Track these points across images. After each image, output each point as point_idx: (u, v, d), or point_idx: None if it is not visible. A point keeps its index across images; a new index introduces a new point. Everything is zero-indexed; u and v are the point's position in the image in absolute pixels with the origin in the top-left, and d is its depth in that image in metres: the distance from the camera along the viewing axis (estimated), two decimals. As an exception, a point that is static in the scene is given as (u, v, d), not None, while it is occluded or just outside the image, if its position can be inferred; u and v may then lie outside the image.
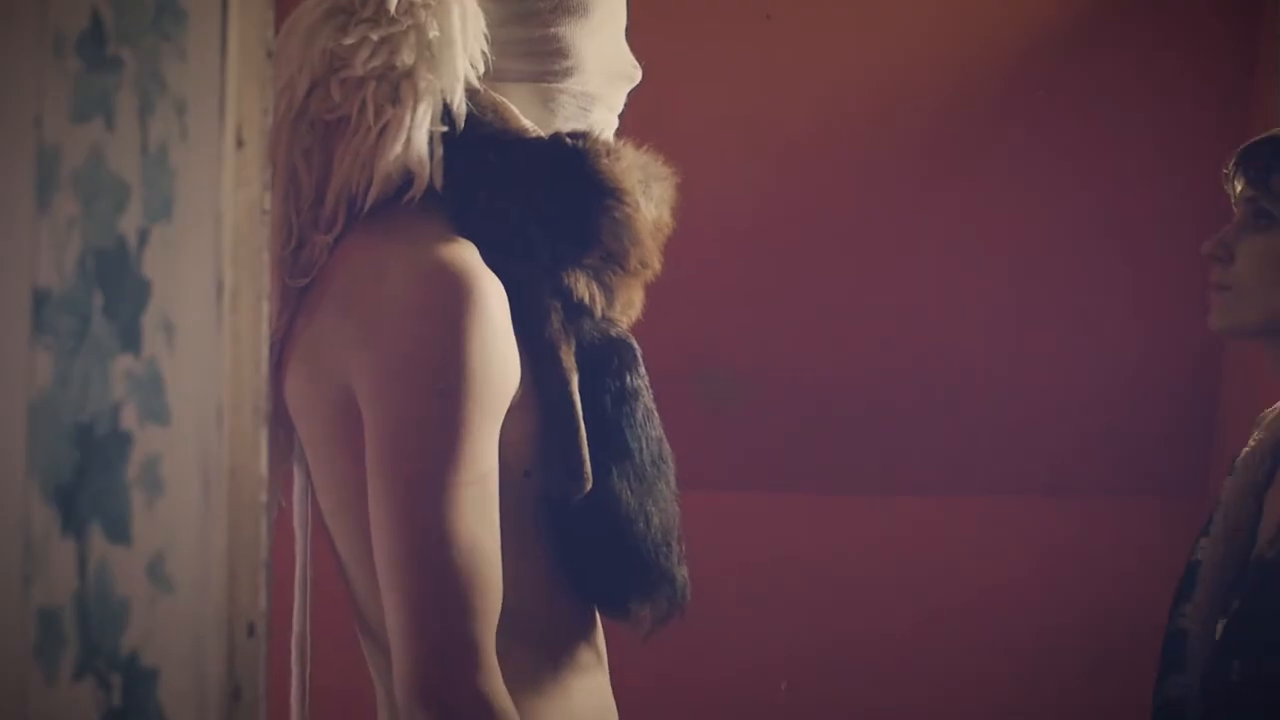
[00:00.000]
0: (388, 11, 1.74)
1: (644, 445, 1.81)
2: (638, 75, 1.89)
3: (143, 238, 1.14)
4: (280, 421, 1.79)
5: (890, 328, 3.56)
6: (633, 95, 1.91)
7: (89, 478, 1.10)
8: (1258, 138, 2.25)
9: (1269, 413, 2.27)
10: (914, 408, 3.53)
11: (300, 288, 1.77)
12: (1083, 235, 3.50)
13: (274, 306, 1.76)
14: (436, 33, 1.74)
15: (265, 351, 1.25)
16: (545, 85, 1.82)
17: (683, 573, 1.83)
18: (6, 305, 1.05)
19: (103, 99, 1.12)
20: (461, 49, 1.75)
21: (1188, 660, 2.17)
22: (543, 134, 1.80)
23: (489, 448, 1.68)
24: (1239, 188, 2.23)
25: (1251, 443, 2.25)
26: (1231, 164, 2.25)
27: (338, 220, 1.76)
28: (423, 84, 1.74)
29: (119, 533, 1.12)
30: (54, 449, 1.07)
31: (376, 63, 1.74)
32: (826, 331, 3.60)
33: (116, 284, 1.12)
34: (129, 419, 1.13)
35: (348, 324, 1.71)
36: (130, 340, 1.13)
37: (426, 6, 1.75)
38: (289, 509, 1.85)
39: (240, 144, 1.21)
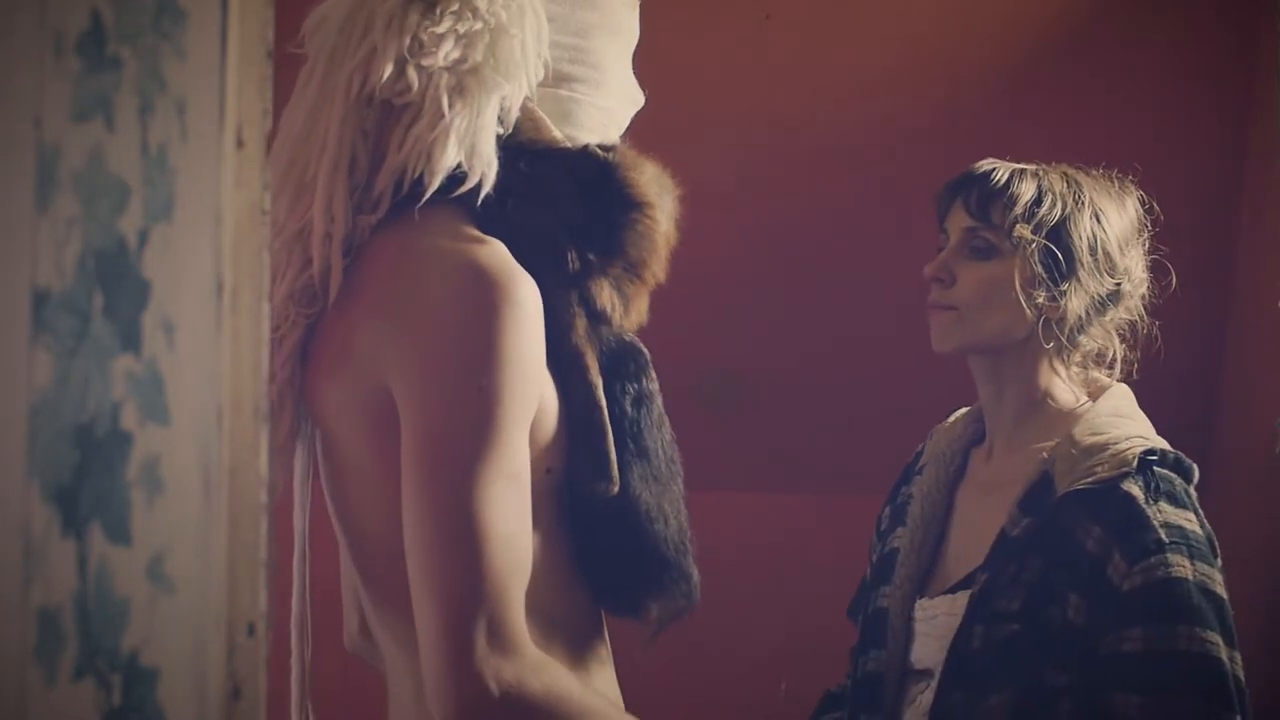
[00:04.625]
0: (474, 6, 1.76)
1: (659, 446, 1.85)
2: (642, 100, 1.94)
3: (143, 238, 1.14)
4: (289, 406, 1.80)
5: (891, 328, 3.55)
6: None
7: (89, 478, 1.10)
8: (969, 170, 2.37)
9: (941, 426, 2.59)
10: (915, 408, 3.53)
11: None
12: (1083, 235, 3.49)
13: (334, 289, 1.77)
14: (517, 34, 1.77)
15: (265, 351, 1.25)
16: (574, 95, 1.85)
17: (695, 571, 1.87)
18: (6, 305, 1.05)
19: (103, 99, 1.12)
20: (533, 54, 1.78)
21: (888, 636, 2.38)
22: (570, 144, 1.82)
23: (522, 444, 1.70)
24: (956, 218, 2.40)
25: (930, 449, 2.55)
26: (943, 194, 2.43)
27: (382, 204, 1.77)
28: (490, 83, 1.76)
29: (119, 533, 1.12)
30: (54, 449, 1.07)
31: (455, 55, 1.76)
32: (826, 331, 3.60)
33: (116, 284, 1.12)
34: (129, 419, 1.13)
35: (385, 324, 1.72)
36: (130, 340, 1.13)
37: (506, 7, 1.77)
38: (287, 489, 1.86)
39: (240, 144, 1.22)
